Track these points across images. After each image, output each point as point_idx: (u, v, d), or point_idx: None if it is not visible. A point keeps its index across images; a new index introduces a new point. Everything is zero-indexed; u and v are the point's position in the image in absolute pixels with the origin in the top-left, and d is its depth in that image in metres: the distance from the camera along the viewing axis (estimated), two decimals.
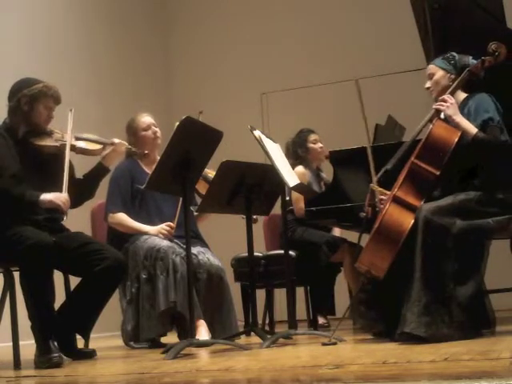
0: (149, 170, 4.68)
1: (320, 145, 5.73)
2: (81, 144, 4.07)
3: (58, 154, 3.96)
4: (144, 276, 4.46)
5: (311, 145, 5.69)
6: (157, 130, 4.82)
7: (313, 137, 5.72)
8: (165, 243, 4.50)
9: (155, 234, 4.57)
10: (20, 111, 3.94)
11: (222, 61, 8.22)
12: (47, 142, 3.97)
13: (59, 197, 3.79)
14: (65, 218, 3.83)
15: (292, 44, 7.92)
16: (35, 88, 3.94)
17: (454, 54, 3.92)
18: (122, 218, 4.64)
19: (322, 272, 5.36)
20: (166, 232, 4.58)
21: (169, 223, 4.61)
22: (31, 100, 3.93)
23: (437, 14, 4.70)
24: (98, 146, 4.13)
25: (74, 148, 4.02)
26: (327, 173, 5.62)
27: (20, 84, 3.99)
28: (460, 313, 3.47)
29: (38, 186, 3.87)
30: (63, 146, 3.96)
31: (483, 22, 4.63)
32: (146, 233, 4.59)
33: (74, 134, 4.03)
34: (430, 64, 3.99)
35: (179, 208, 4.53)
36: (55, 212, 3.84)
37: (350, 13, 7.75)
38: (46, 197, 3.78)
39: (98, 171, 4.18)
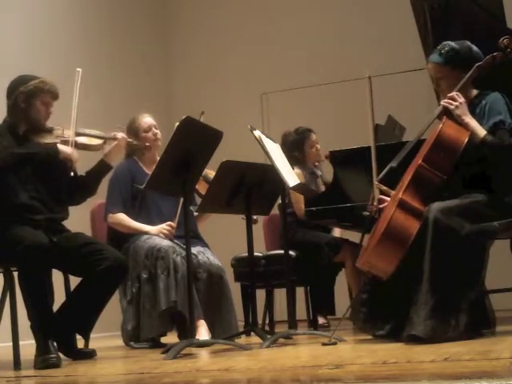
0: (149, 171, 4.69)
1: (318, 147, 5.66)
2: (82, 139, 4.07)
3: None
4: (145, 276, 4.46)
5: (309, 149, 5.57)
6: (157, 131, 4.82)
7: (312, 138, 5.61)
8: (165, 243, 4.50)
9: (156, 233, 4.57)
10: (18, 109, 3.95)
11: (222, 61, 8.22)
12: (48, 139, 3.98)
13: (74, 152, 3.90)
14: (72, 174, 3.93)
15: (292, 44, 7.92)
16: (31, 84, 3.95)
17: (452, 44, 3.79)
18: (122, 218, 4.65)
19: (321, 272, 5.36)
20: (166, 232, 4.58)
21: (169, 223, 4.61)
22: (28, 97, 3.94)
23: (437, 14, 4.70)
24: (99, 141, 4.14)
25: (75, 144, 4.03)
26: (327, 173, 5.61)
27: (16, 82, 4.01)
28: (465, 316, 3.45)
29: (39, 183, 3.89)
30: (64, 143, 3.97)
31: (483, 22, 4.62)
32: (146, 232, 4.59)
33: (75, 129, 4.04)
34: (430, 62, 3.84)
35: (180, 208, 4.53)
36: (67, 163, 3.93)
37: (349, 13, 7.75)
38: (66, 149, 3.91)
39: (101, 168, 4.19)
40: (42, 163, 3.90)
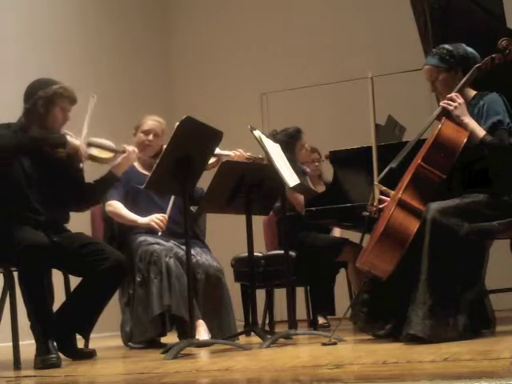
0: (142, 169, 4.76)
1: (307, 147, 5.55)
2: (93, 151, 4.02)
3: (67, 158, 3.95)
4: (138, 279, 4.46)
5: (300, 150, 5.46)
6: (152, 138, 4.78)
7: (302, 140, 5.48)
8: (158, 246, 4.49)
9: (147, 222, 4.55)
10: (36, 113, 3.92)
11: (222, 61, 8.23)
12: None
13: (82, 145, 3.89)
14: (81, 165, 3.94)
15: (292, 44, 7.92)
16: (51, 90, 3.91)
17: (448, 47, 3.82)
18: (119, 206, 4.64)
19: (321, 272, 5.36)
20: (158, 221, 4.55)
21: (163, 214, 4.60)
22: (47, 102, 3.91)
23: (437, 14, 4.70)
24: (109, 155, 4.08)
25: (86, 156, 3.98)
26: (327, 173, 5.60)
27: (35, 85, 3.97)
28: (464, 315, 3.46)
29: (44, 187, 3.88)
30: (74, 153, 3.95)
31: (483, 22, 4.63)
32: (136, 222, 4.59)
33: (87, 138, 3.98)
34: (426, 65, 3.87)
35: (171, 202, 4.56)
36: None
37: (349, 13, 7.75)
38: (75, 141, 3.88)
39: (108, 179, 4.17)
40: (48, 153, 3.87)
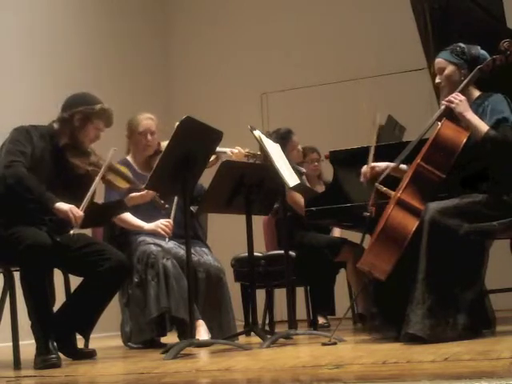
0: (141, 171, 4.73)
1: (299, 148, 5.56)
2: (110, 176, 4.03)
3: (85, 175, 3.95)
4: (136, 280, 4.46)
5: (291, 151, 5.40)
6: (150, 138, 4.77)
7: (294, 140, 5.47)
8: (155, 248, 4.48)
9: (153, 228, 4.55)
10: (70, 125, 3.95)
11: (222, 61, 8.23)
12: (80, 163, 3.95)
13: (74, 211, 3.73)
14: (71, 232, 3.78)
15: (292, 44, 7.93)
16: (92, 108, 3.95)
17: (462, 45, 3.83)
18: None
19: (321, 272, 5.36)
20: (164, 227, 4.55)
21: (167, 219, 4.60)
22: (85, 118, 3.94)
23: (437, 14, 4.70)
24: (123, 184, 4.10)
25: (102, 177, 3.98)
26: (327, 173, 5.60)
27: (78, 99, 4.00)
28: (464, 315, 3.46)
29: (58, 195, 3.87)
30: (93, 172, 3.93)
31: (483, 22, 4.62)
32: (141, 228, 4.58)
33: (109, 163, 3.97)
34: (437, 58, 3.89)
35: (174, 205, 4.54)
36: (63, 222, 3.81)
37: (349, 13, 7.76)
38: (63, 207, 3.74)
39: (118, 207, 4.20)
40: (69, 162, 3.89)
